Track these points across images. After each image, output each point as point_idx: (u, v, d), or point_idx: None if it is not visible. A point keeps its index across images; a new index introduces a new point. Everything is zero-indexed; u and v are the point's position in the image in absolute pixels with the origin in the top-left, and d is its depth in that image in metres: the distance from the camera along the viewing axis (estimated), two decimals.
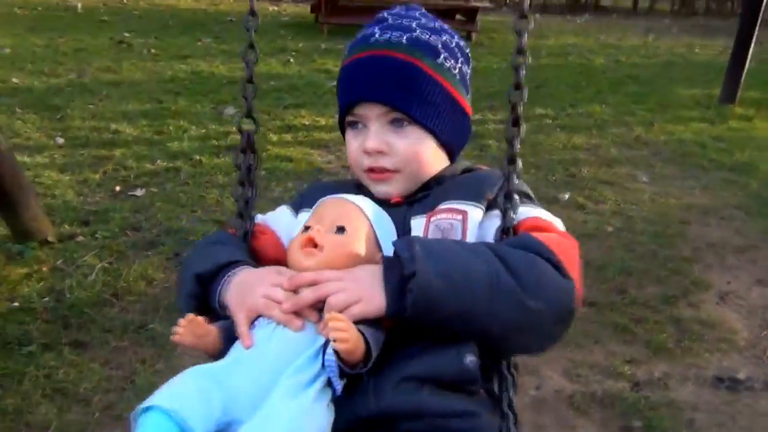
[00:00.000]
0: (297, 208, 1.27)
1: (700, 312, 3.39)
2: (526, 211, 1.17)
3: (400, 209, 1.16)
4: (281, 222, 1.27)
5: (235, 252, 1.16)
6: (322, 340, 0.96)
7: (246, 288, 1.05)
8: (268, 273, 1.08)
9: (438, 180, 1.21)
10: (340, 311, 0.95)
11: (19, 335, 2.83)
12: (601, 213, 4.43)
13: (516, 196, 1.15)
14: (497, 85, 7.52)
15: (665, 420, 2.63)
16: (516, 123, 1.21)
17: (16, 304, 3.05)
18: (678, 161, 5.51)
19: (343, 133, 1.27)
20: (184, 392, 0.91)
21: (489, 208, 1.14)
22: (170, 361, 2.76)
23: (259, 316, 1.02)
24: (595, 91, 7.57)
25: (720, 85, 7.63)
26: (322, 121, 5.84)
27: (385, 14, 1.24)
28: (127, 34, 8.78)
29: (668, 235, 4.17)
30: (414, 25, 1.19)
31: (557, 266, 1.04)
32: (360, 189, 1.23)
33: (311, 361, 0.94)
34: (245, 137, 1.34)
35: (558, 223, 1.19)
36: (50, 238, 3.56)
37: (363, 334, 0.94)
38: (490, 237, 1.13)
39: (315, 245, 1.03)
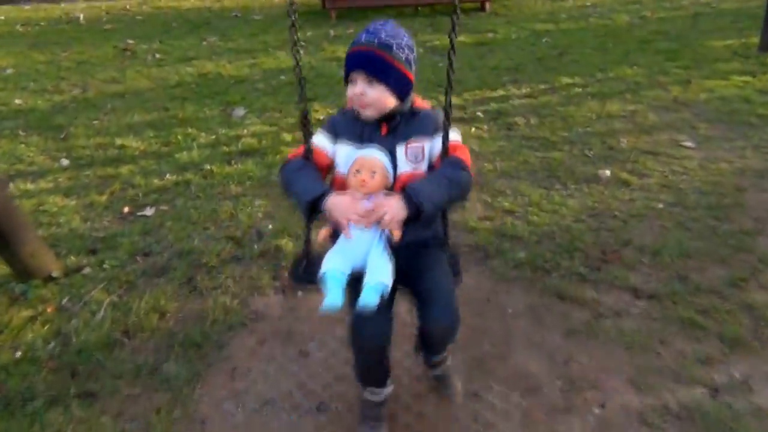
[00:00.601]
0: (333, 135, 2.15)
1: None
2: (451, 135, 2.11)
3: (388, 138, 2.11)
4: (326, 145, 2.15)
5: (320, 179, 2.09)
6: (379, 230, 2.01)
7: (342, 208, 1.99)
8: (350, 199, 2.01)
9: (399, 113, 2.12)
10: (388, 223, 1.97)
11: (22, 390, 2.58)
12: (648, 188, 4.04)
13: (448, 130, 2.09)
14: (517, 57, 7.10)
15: None
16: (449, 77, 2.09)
17: (20, 353, 2.79)
18: (723, 120, 5.07)
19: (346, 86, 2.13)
20: (334, 260, 1.99)
21: (433, 135, 2.12)
22: (187, 406, 2.49)
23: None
24: (623, 52, 7.09)
25: (757, 32, 7.12)
26: (334, 110, 5.50)
27: (370, 26, 2.09)
28: (130, 41, 8.51)
29: (725, 207, 3.78)
30: (382, 34, 2.05)
31: (467, 170, 2.07)
32: (357, 119, 2.13)
33: (381, 239, 2.02)
34: (303, 87, 2.14)
35: (460, 138, 2.16)
36: (55, 274, 3.30)
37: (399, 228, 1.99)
38: (436, 148, 2.12)
39: (365, 184, 2.02)
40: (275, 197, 4.05)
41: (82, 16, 10.20)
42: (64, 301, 3.14)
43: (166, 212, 3.97)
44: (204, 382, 2.64)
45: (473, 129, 5.06)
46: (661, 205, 3.83)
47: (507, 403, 2.50)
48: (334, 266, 1.97)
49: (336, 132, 2.15)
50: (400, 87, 2.07)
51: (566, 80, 6.18)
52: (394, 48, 2.03)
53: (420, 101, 2.21)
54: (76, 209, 4.04)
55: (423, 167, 2.10)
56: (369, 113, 2.08)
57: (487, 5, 9.75)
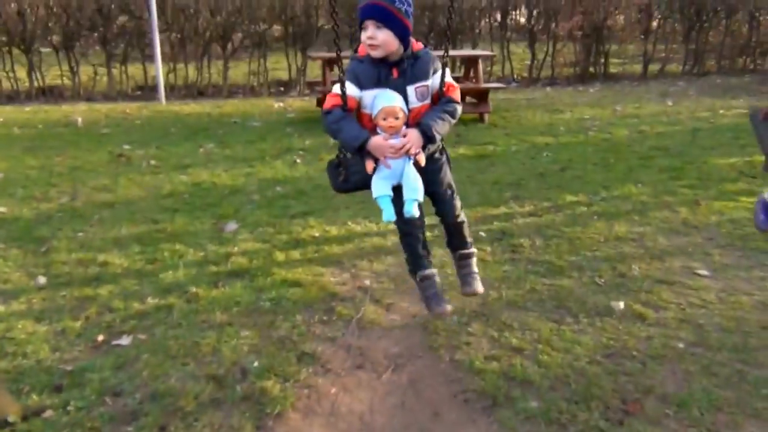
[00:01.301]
0: (358, 83, 2.89)
1: None
2: (445, 77, 3.00)
3: (399, 81, 2.90)
4: (355, 92, 2.89)
5: (362, 127, 2.93)
6: (406, 157, 2.92)
7: (380, 147, 2.87)
8: (384, 140, 2.87)
9: (405, 56, 2.90)
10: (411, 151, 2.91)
11: None
12: (665, 324, 3.75)
13: (444, 73, 3.01)
14: (518, 172, 6.98)
15: None
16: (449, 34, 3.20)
17: None
18: (737, 246, 4.85)
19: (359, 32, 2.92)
20: (382, 186, 2.96)
21: (434, 74, 2.98)
22: None
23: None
24: (626, 169, 6.98)
25: (756, 149, 7.03)
26: (333, 231, 5.29)
27: None
28: (127, 147, 8.41)
29: (752, 349, 3.48)
30: None
31: (459, 104, 3.06)
32: (373, 63, 2.89)
33: (409, 163, 2.92)
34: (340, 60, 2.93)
35: (451, 79, 3.05)
36: (11, 419, 2.95)
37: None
38: (436, 85, 2.99)
39: (393, 127, 2.88)
40: (263, 327, 3.75)
41: (80, 119, 10.17)
42: None
43: (143, 342, 3.64)
44: None
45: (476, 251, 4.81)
46: (681, 345, 3.53)
47: None
48: (383, 191, 2.95)
49: (359, 80, 2.88)
50: (402, 32, 2.84)
51: (570, 198, 6.02)
52: (396, 1, 2.80)
53: (416, 44, 2.98)
54: (46, 337, 3.72)
55: (427, 102, 2.99)
56: (377, 53, 2.85)
57: (486, 116, 9.79)
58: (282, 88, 14.27)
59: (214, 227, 5.42)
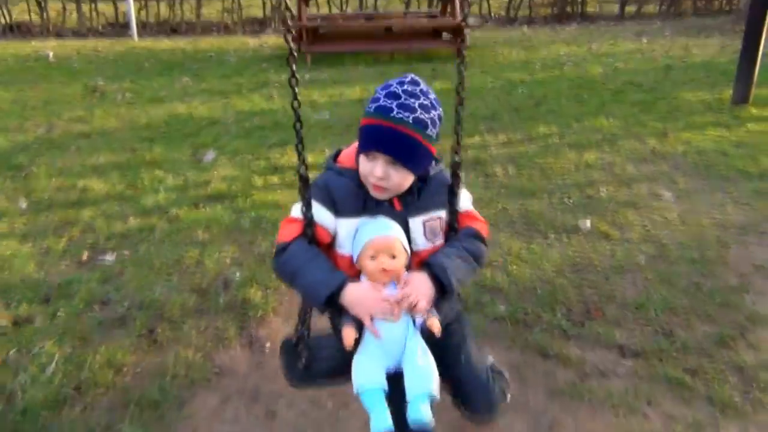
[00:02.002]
0: (334, 211, 1.86)
1: (763, 353, 2.90)
2: (462, 200, 1.95)
3: (401, 213, 1.87)
4: (327, 220, 1.86)
5: (334, 267, 1.84)
6: (409, 319, 1.80)
7: (363, 301, 1.77)
8: (372, 291, 1.78)
9: (410, 189, 1.86)
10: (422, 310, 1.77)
11: None
12: (630, 241, 3.95)
13: (458, 200, 1.94)
14: (493, 105, 7.08)
15: None
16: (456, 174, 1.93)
17: None
18: (701, 174, 5.04)
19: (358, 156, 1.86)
20: (368, 373, 1.75)
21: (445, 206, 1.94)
22: None
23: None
24: (599, 103, 7.11)
25: (726, 85, 7.22)
26: (310, 159, 5.36)
27: (399, 91, 1.77)
28: (101, 81, 8.34)
29: (708, 262, 3.69)
30: (417, 105, 1.76)
31: (485, 243, 1.96)
32: (362, 186, 1.86)
33: (414, 332, 1.79)
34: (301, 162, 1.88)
35: (472, 206, 2.00)
36: (3, 323, 3.07)
37: (433, 314, 1.81)
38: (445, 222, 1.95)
39: (387, 271, 1.78)
40: (244, 244, 3.87)
41: (51, 54, 10.03)
42: (12, 353, 2.90)
43: (127, 258, 3.76)
44: None
45: None
46: (643, 259, 3.73)
47: None
48: (372, 380, 1.74)
49: (334, 202, 1.85)
50: (424, 166, 1.86)
51: (543, 130, 6.15)
52: (429, 126, 1.77)
53: None
54: (32, 255, 3.81)
55: (440, 241, 1.93)
56: (383, 196, 1.84)
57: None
58: (257, 27, 14.09)
59: (192, 156, 5.48)
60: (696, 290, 3.40)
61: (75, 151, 5.65)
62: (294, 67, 1.83)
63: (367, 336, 1.78)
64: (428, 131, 1.77)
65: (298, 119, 1.86)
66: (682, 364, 2.83)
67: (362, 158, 1.81)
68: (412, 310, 1.77)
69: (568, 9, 15.23)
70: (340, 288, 1.76)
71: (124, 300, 3.32)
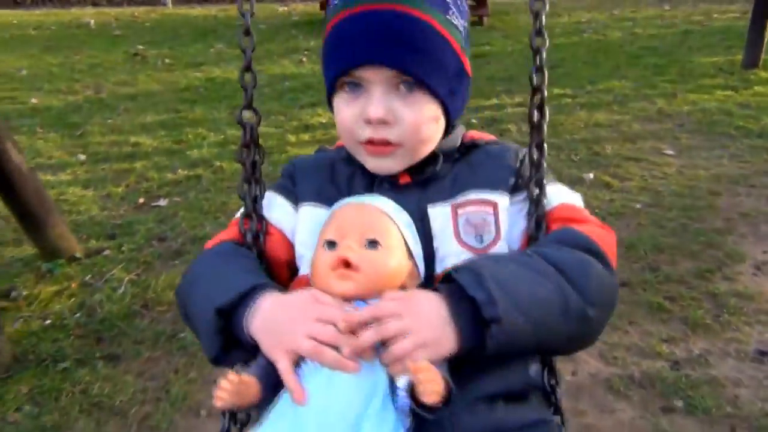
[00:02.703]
0: (293, 198, 1.17)
1: (736, 285, 3.31)
2: (552, 194, 1.14)
3: (412, 193, 1.07)
4: (282, 218, 1.15)
5: (253, 270, 1.06)
6: (381, 378, 0.89)
7: (281, 325, 0.91)
8: (305, 304, 0.92)
9: (439, 155, 1.12)
10: (395, 348, 0.87)
11: (53, 352, 2.86)
12: (628, 190, 4.35)
13: (537, 182, 1.11)
14: (512, 69, 7.43)
15: (707, 398, 2.57)
16: (541, 107, 1.19)
17: (49, 321, 3.08)
18: (704, 131, 5.38)
19: (330, 102, 1.11)
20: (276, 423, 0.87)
21: (513, 190, 1.12)
22: (203, 369, 2.76)
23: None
24: (614, 66, 7.42)
25: (740, 49, 7.46)
26: None
27: None
28: (140, 47, 8.83)
29: (698, 208, 4.08)
30: None
31: (605, 261, 1.02)
32: (351, 163, 1.15)
33: (385, 407, 0.84)
34: (248, 130, 1.22)
35: (581, 204, 1.19)
36: (78, 255, 3.59)
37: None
38: (520, 224, 1.11)
39: (348, 265, 0.91)
40: None
41: (92, 21, 10.53)
42: (88, 278, 3.43)
43: (179, 203, 4.26)
44: None
45: None
46: (638, 206, 4.13)
47: None
48: None
49: (295, 185, 1.19)
50: (461, 96, 1.13)
51: (557, 91, 6.50)
52: (452, 7, 1.08)
53: (478, 134, 1.25)
54: (94, 199, 4.33)
55: (499, 245, 1.08)
56: (392, 164, 1.09)
57: (485, 20, 10.11)
58: None
59: (230, 115, 5.95)
60: (683, 231, 3.81)
61: (123, 111, 6.16)
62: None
63: (283, 400, 0.92)
64: (450, 15, 1.06)
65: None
66: (662, 293, 3.26)
67: (340, 101, 1.10)
68: (389, 356, 0.89)
69: None
70: (246, 299, 0.98)
71: (178, 237, 3.83)
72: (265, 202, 1.19)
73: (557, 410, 1.11)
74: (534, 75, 1.18)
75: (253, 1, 1.26)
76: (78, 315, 3.13)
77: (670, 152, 4.98)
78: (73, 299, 3.25)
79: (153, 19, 11.10)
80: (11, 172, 3.17)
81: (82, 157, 5.04)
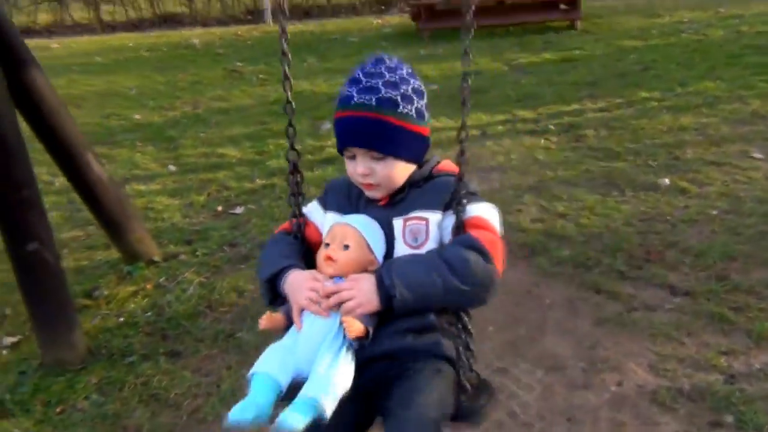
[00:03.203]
0: (324, 205, 1.78)
1: None
2: (471, 209, 1.60)
3: (386, 210, 1.68)
4: (317, 216, 1.78)
5: (290, 255, 1.70)
6: (337, 321, 1.53)
7: (295, 288, 1.60)
8: (307, 279, 1.60)
9: (410, 183, 1.68)
10: (350, 311, 1.52)
11: (122, 347, 3.12)
12: (706, 196, 4.15)
13: (464, 201, 1.58)
14: (598, 72, 7.24)
15: (761, 414, 2.45)
16: (462, 142, 1.59)
17: (122, 319, 3.35)
18: None
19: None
20: (270, 360, 1.51)
21: (446, 208, 1.63)
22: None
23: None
24: (709, 67, 7.06)
25: None
26: (452, 123, 5.79)
27: (359, 75, 1.63)
28: (239, 64, 9.29)
29: None
30: (380, 85, 1.59)
31: (485, 256, 1.52)
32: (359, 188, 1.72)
33: (337, 336, 1.53)
34: (291, 165, 1.79)
35: (493, 219, 1.62)
36: (156, 258, 3.87)
37: (364, 322, 1.52)
38: (448, 232, 1.61)
39: (331, 258, 1.60)
40: None
41: (198, 41, 11.19)
42: (162, 280, 3.68)
43: (253, 211, 4.49)
44: None
45: (542, 141, 5.31)
46: (715, 212, 3.94)
47: (531, 377, 2.77)
48: (267, 368, 1.48)
49: (326, 200, 1.78)
50: (416, 150, 1.65)
51: (644, 94, 6.28)
52: (400, 104, 1.58)
53: (447, 164, 1.74)
54: (179, 207, 4.64)
55: (427, 246, 1.60)
56: (378, 194, 1.66)
57: (578, 23, 9.88)
58: (383, 6, 14.72)
59: (311, 126, 6.17)
60: (760, 239, 3.60)
61: (215, 124, 6.53)
62: (285, 45, 1.83)
63: (292, 327, 1.59)
64: (400, 109, 1.58)
65: (290, 104, 1.84)
66: (728, 303, 3.11)
67: (347, 163, 1.66)
68: (341, 310, 1.52)
69: None
70: (283, 271, 1.63)
71: (248, 243, 4.03)
72: (309, 207, 1.80)
73: (462, 363, 1.63)
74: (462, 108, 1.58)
75: (283, 23, 1.79)
76: (149, 314, 3.38)
77: (759, 156, 4.70)
78: (146, 299, 3.51)
79: (254, 36, 11.64)
80: (93, 182, 3.47)
81: (173, 168, 5.40)
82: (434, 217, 1.61)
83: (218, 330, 3.21)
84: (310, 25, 12.55)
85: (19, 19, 14.43)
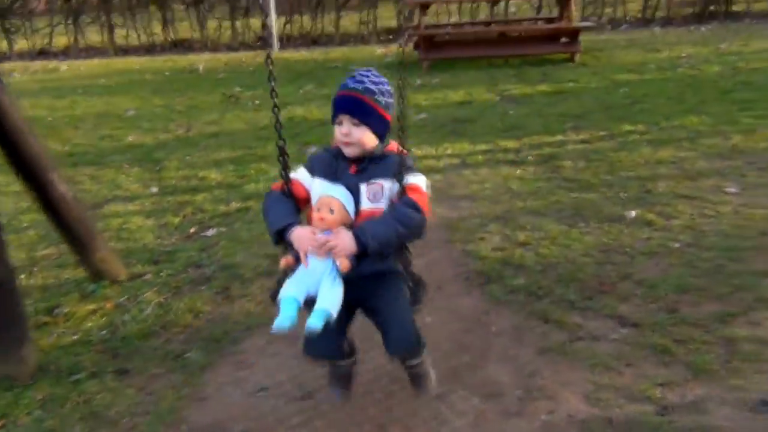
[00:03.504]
0: (311, 172, 2.43)
1: (759, 330, 3.09)
2: (408, 178, 2.35)
3: (355, 176, 2.36)
4: (305, 178, 2.43)
5: (291, 214, 2.35)
6: (330, 261, 2.24)
7: (302, 238, 2.26)
8: (307, 233, 2.26)
9: (371, 157, 2.37)
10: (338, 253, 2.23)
11: (71, 365, 3.17)
12: (670, 229, 4.15)
13: (404, 173, 2.34)
14: (588, 105, 7.29)
15: None
16: (402, 131, 2.38)
17: (77, 336, 3.40)
18: None
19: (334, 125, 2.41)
20: (290, 288, 2.25)
21: (394, 177, 2.34)
22: (195, 386, 2.97)
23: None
24: (698, 102, 7.08)
25: None
26: (433, 152, 5.90)
27: (355, 74, 2.42)
28: (238, 89, 9.46)
29: (742, 249, 3.83)
30: (366, 80, 2.38)
31: (419, 210, 2.29)
32: (338, 157, 2.41)
33: (333, 269, 2.25)
34: (281, 162, 2.42)
35: (423, 184, 2.37)
36: (121, 278, 3.93)
37: (349, 260, 2.24)
38: (394, 193, 2.35)
39: (322, 219, 2.27)
40: None
41: (202, 66, 11.42)
42: (123, 299, 3.74)
43: (223, 233, 4.55)
44: (214, 369, 3.11)
45: (518, 171, 5.35)
46: (677, 245, 3.94)
47: (466, 404, 2.78)
48: (289, 293, 2.24)
49: (312, 168, 2.44)
50: (381, 128, 2.39)
51: (627, 127, 6.31)
52: (377, 94, 2.35)
53: (394, 145, 2.43)
54: (152, 229, 4.72)
55: (383, 205, 2.35)
56: (352, 151, 2.36)
57: (576, 56, 9.96)
58: (390, 36, 14.92)
59: (298, 151, 6.25)
60: (716, 272, 3.59)
61: (203, 147, 6.65)
62: (271, 66, 2.42)
63: (301, 265, 2.31)
64: (377, 97, 2.34)
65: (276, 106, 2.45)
66: (673, 335, 3.10)
67: (336, 127, 2.38)
68: (334, 255, 2.24)
69: (712, 8, 14.60)
70: (288, 226, 2.30)
71: (212, 264, 4.09)
72: (298, 172, 2.44)
73: (405, 273, 2.49)
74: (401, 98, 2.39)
75: (271, 51, 2.55)
76: (104, 332, 3.44)
77: (732, 190, 4.70)
78: (104, 318, 3.57)
79: (257, 63, 11.83)
80: (57, 200, 3.55)
81: (155, 189, 5.50)
82: (387, 183, 2.36)
83: (168, 350, 3.25)
84: (316, 54, 12.76)
85: (34, 41, 14.83)
